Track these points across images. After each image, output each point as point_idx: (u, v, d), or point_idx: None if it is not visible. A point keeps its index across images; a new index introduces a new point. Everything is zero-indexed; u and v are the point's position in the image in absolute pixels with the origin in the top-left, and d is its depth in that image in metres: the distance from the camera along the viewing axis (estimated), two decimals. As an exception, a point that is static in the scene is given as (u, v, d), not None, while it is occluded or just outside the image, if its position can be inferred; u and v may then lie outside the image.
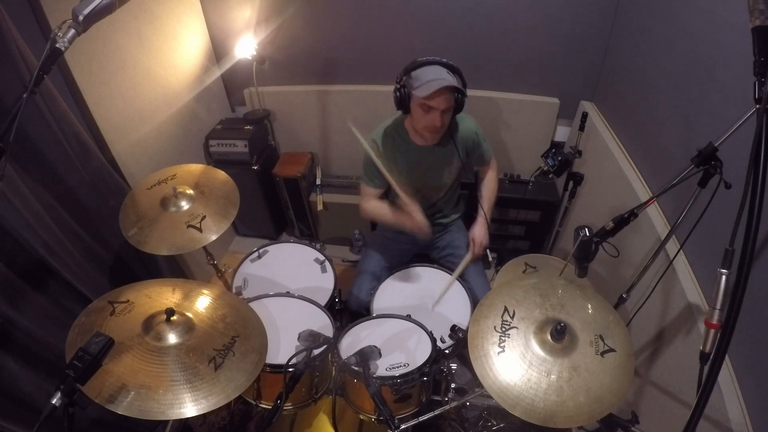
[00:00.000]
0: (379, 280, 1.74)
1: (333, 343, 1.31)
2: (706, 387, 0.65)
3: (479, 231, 1.73)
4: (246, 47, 2.34)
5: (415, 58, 1.48)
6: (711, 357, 0.70)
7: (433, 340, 1.34)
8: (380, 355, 1.20)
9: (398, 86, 1.49)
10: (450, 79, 1.41)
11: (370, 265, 1.80)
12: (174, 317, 1.01)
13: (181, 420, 1.52)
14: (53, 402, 0.74)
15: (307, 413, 1.55)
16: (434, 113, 1.44)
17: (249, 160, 2.44)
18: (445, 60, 1.45)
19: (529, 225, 2.41)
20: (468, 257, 1.70)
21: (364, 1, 2.18)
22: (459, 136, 1.65)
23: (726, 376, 1.10)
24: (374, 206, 1.72)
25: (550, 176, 2.09)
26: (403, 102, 1.49)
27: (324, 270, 1.74)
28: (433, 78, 1.40)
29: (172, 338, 0.99)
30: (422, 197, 1.78)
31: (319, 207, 2.56)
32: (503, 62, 2.21)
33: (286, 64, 2.47)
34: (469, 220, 1.86)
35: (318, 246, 1.82)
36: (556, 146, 2.11)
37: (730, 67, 1.16)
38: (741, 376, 1.09)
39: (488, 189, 1.82)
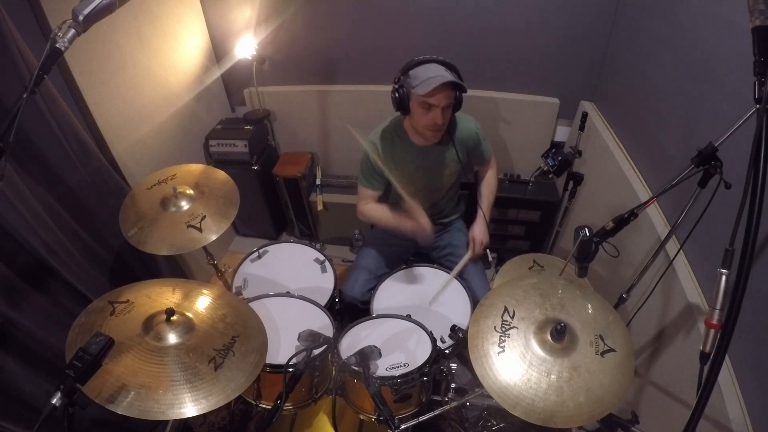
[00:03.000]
0: (375, 275, 1.75)
1: (333, 343, 1.31)
2: (706, 387, 0.65)
3: (479, 230, 1.73)
4: (246, 47, 2.34)
5: (416, 58, 1.48)
6: (711, 357, 0.70)
7: (433, 340, 1.34)
8: (380, 355, 1.20)
9: (396, 86, 1.49)
10: (449, 76, 1.41)
11: (367, 261, 1.80)
12: (174, 317, 1.01)
13: (181, 420, 1.52)
14: (53, 402, 0.74)
15: (307, 413, 1.55)
16: (435, 111, 1.44)
17: (249, 160, 2.44)
18: (441, 58, 1.45)
19: (529, 225, 2.41)
20: (467, 256, 1.70)
21: (364, 1, 2.18)
22: (459, 135, 1.65)
23: (726, 376, 1.10)
24: (373, 208, 1.71)
25: (550, 176, 2.09)
26: (402, 102, 1.48)
27: (324, 270, 1.74)
28: (432, 75, 1.40)
29: (172, 338, 0.99)
30: (422, 197, 1.77)
31: (319, 207, 2.56)
32: (503, 62, 2.21)
33: (286, 64, 2.47)
34: (469, 219, 1.86)
35: (318, 246, 1.82)
36: (556, 146, 2.11)
37: (730, 67, 1.16)
38: (741, 376, 1.09)
39: (487, 188, 1.82)
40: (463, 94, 1.49)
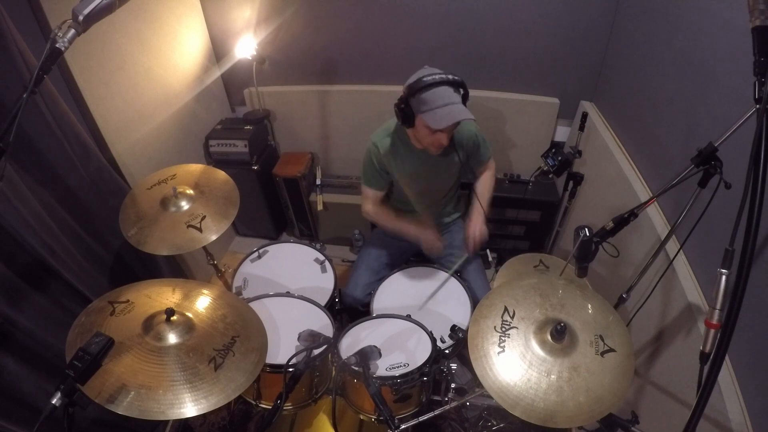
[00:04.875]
0: (376, 276, 1.75)
1: (333, 343, 1.31)
2: (706, 387, 0.65)
3: (475, 227, 1.70)
4: (246, 47, 2.34)
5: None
6: (711, 357, 0.70)
7: (433, 340, 1.34)
8: (380, 355, 1.20)
9: (402, 104, 1.43)
10: (460, 107, 1.37)
11: (368, 262, 1.80)
12: (174, 317, 1.01)
13: (181, 420, 1.52)
14: (53, 402, 0.74)
15: (307, 413, 1.55)
16: (441, 134, 1.42)
17: (249, 160, 2.44)
18: (451, 77, 1.37)
19: (529, 225, 2.41)
20: (465, 254, 1.69)
21: (364, 2, 2.18)
22: (459, 138, 1.64)
23: (726, 376, 1.10)
24: (380, 212, 1.73)
25: (550, 176, 2.09)
26: (406, 118, 1.45)
27: (324, 270, 1.74)
28: (443, 104, 1.35)
29: (172, 338, 0.99)
30: (423, 198, 1.78)
31: (319, 207, 2.56)
32: (503, 62, 2.21)
33: (286, 64, 2.47)
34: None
35: (318, 246, 1.82)
36: (556, 146, 2.11)
37: (730, 67, 1.16)
38: (741, 376, 1.09)
39: (483, 186, 1.82)
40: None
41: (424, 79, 1.36)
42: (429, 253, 1.67)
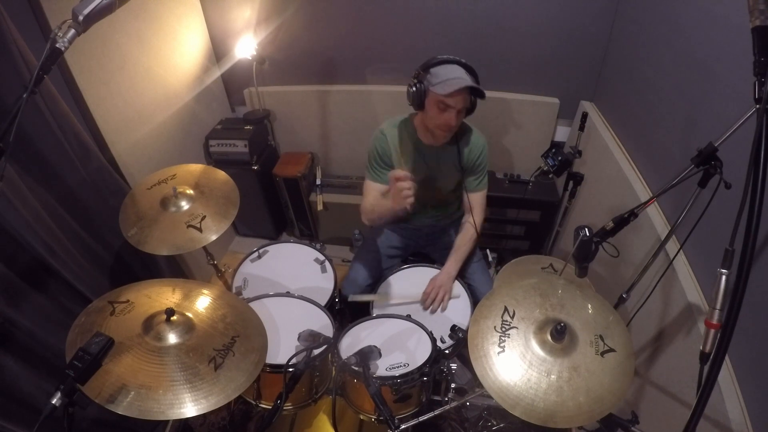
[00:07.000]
0: (373, 274, 1.75)
1: (333, 343, 1.31)
2: (706, 387, 0.65)
3: (442, 277, 1.61)
4: (246, 47, 2.34)
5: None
6: (711, 357, 0.70)
7: (433, 340, 1.34)
8: (380, 355, 1.20)
9: (415, 81, 1.47)
10: (469, 80, 1.40)
11: (366, 260, 1.80)
12: (174, 317, 1.01)
13: (181, 420, 1.52)
14: (53, 402, 0.74)
15: (307, 413, 1.55)
16: (450, 112, 1.44)
17: (249, 160, 2.45)
18: (464, 60, 1.44)
19: (529, 225, 2.41)
20: (420, 298, 1.59)
21: (365, 1, 2.18)
22: (466, 145, 1.63)
23: (726, 376, 1.10)
24: (368, 201, 1.63)
25: (550, 176, 2.09)
26: (418, 97, 1.47)
27: (324, 270, 1.74)
28: (453, 77, 1.39)
29: (172, 338, 0.99)
30: (424, 194, 1.77)
31: (319, 207, 2.56)
32: (503, 62, 2.21)
33: (286, 64, 2.47)
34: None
35: (318, 246, 1.82)
36: (556, 146, 2.11)
37: (730, 67, 1.16)
38: (741, 376, 1.09)
39: (464, 236, 1.69)
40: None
41: (440, 56, 1.44)
42: (401, 204, 1.35)
